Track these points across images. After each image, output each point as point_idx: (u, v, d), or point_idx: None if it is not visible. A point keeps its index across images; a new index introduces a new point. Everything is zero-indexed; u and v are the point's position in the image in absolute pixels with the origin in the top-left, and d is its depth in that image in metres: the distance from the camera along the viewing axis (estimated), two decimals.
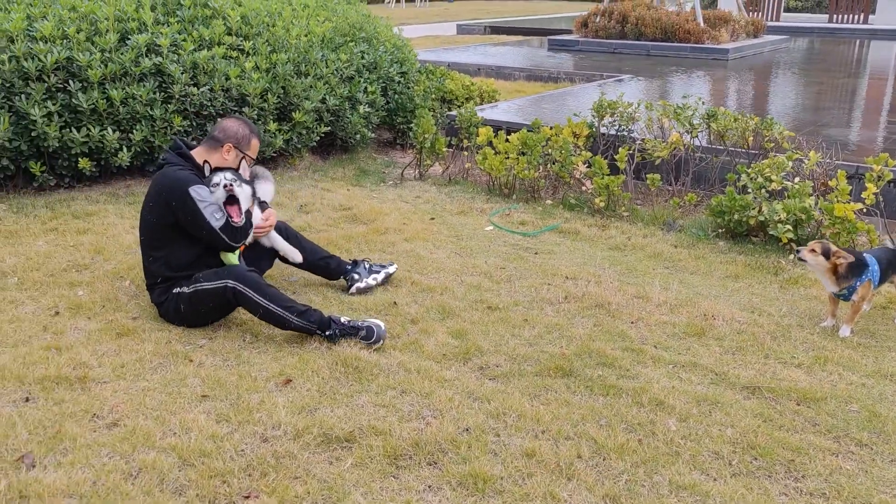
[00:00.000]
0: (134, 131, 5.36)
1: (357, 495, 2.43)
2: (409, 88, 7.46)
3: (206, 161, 3.56)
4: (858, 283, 3.66)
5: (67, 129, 5.17)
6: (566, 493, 2.46)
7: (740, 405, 3.03)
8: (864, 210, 4.77)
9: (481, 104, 8.40)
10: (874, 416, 2.96)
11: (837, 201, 4.61)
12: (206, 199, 3.45)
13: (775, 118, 5.90)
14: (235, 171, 3.61)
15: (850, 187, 4.70)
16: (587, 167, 5.81)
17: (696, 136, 5.89)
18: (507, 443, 2.73)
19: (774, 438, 2.79)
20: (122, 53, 5.34)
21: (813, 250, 3.70)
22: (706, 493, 2.48)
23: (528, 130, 6.00)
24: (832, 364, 3.39)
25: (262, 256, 3.92)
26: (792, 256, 4.67)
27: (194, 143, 3.83)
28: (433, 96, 7.78)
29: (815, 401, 3.07)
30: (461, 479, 2.51)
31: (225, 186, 3.46)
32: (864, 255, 3.77)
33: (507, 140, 5.95)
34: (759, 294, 4.20)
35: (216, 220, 3.47)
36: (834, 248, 3.69)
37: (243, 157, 3.68)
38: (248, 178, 3.65)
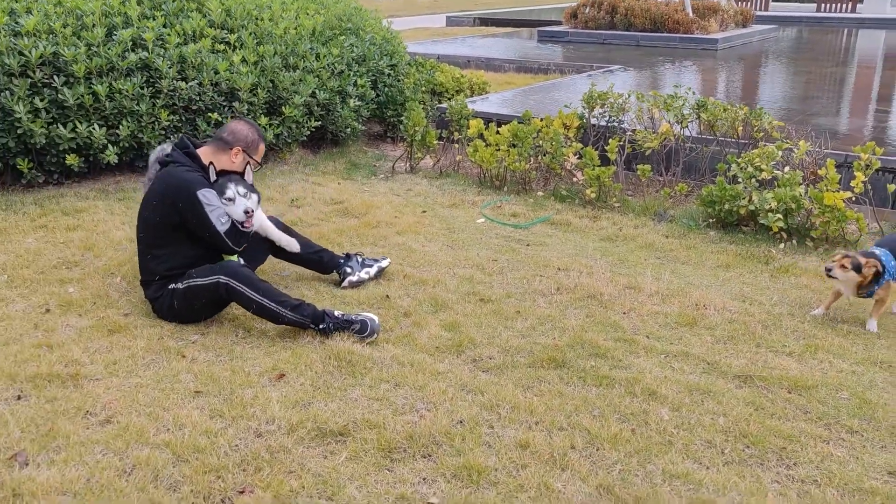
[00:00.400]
0: (121, 127, 5.33)
1: (352, 489, 2.44)
2: (399, 81, 7.44)
3: (211, 163, 3.57)
4: (877, 286, 3.64)
5: (54, 126, 5.13)
6: (560, 484, 2.47)
7: (732, 394, 3.04)
8: (853, 198, 4.79)
9: (472, 96, 8.38)
10: (864, 402, 2.98)
11: (827, 190, 4.63)
12: (214, 202, 3.48)
13: (765, 108, 5.92)
14: (241, 177, 3.65)
15: (840, 176, 4.72)
16: (578, 158, 5.82)
17: (687, 127, 5.90)
18: (501, 434, 2.74)
19: (766, 426, 2.81)
20: (108, 48, 5.30)
21: (843, 266, 3.62)
22: (699, 482, 2.49)
23: (519, 122, 6.00)
24: (823, 352, 3.41)
25: (256, 252, 3.91)
26: (783, 245, 4.70)
27: (196, 140, 3.83)
28: (423, 89, 7.77)
29: (807, 388, 3.09)
30: (455, 471, 2.52)
31: (246, 212, 3.55)
32: (876, 250, 3.69)
33: (497, 132, 5.95)
34: (749, 283, 4.21)
35: (221, 224, 3.50)
36: (862, 259, 3.60)
37: (249, 162, 3.70)
38: (251, 183, 3.67)
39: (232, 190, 3.54)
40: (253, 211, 3.58)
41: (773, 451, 2.68)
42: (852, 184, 4.77)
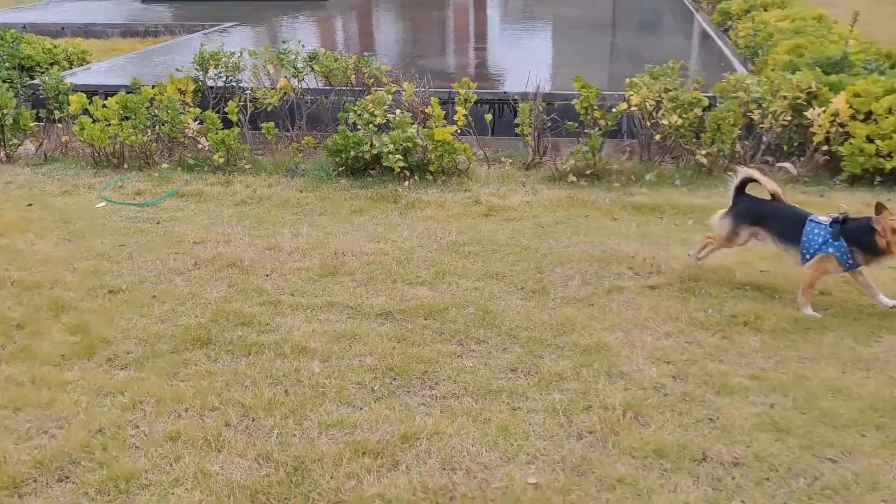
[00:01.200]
0: None
1: None
2: None
3: None
4: None
5: None
6: (217, 466, 2.38)
7: (376, 332, 3.19)
8: (459, 131, 5.26)
9: (70, 68, 7.53)
10: (487, 313, 3.33)
11: (436, 126, 5.01)
12: None
13: (376, 53, 6.19)
14: None
15: (445, 112, 5.14)
16: (199, 124, 5.55)
17: (303, 80, 5.94)
18: (149, 432, 2.55)
19: (409, 355, 3.00)
20: None
21: None
22: (354, 424, 2.58)
23: (128, 92, 5.53)
24: (450, 275, 3.73)
25: None
26: (407, 183, 5.00)
27: None
28: (7, 65, 6.76)
29: (439, 312, 3.35)
30: (100, 487, 2.29)
31: None
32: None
33: (104, 105, 5.42)
34: (382, 223, 4.43)
35: None
36: None
37: None
38: None
39: None
40: None
41: (416, 377, 2.87)
42: (456, 118, 5.23)
